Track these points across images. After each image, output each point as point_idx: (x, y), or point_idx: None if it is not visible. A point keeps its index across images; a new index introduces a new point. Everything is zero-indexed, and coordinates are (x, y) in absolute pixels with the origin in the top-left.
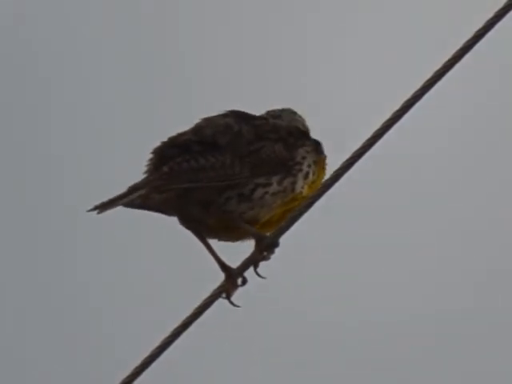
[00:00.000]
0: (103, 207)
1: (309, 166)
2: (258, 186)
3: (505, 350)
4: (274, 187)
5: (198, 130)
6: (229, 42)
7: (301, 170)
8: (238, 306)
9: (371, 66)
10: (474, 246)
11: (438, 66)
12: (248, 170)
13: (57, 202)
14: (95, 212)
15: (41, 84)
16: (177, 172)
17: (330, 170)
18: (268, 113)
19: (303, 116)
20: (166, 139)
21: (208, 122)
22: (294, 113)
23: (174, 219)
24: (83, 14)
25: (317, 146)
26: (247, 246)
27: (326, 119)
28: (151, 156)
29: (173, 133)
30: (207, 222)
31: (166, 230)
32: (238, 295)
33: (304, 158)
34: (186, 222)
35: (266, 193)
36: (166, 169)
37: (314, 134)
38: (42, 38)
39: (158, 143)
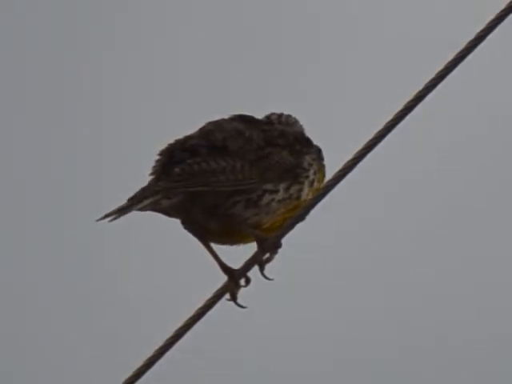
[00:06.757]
0: (116, 215)
1: (314, 173)
2: (265, 192)
3: None
4: (281, 194)
5: (207, 133)
6: (229, 42)
7: (307, 177)
8: (245, 307)
9: (373, 66)
10: None
11: (440, 66)
12: (257, 176)
13: (57, 205)
14: (106, 220)
15: (40, 90)
16: (188, 174)
17: (331, 172)
18: (272, 116)
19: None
20: (172, 142)
21: (216, 126)
22: (295, 119)
23: (177, 220)
24: (84, 15)
25: (319, 154)
26: (247, 248)
27: (327, 120)
28: (158, 158)
29: (172, 136)
30: (210, 226)
31: (169, 231)
32: (246, 296)
33: (310, 165)
34: (189, 224)
35: (273, 200)
36: (177, 170)
37: (315, 137)
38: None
39: (162, 146)
